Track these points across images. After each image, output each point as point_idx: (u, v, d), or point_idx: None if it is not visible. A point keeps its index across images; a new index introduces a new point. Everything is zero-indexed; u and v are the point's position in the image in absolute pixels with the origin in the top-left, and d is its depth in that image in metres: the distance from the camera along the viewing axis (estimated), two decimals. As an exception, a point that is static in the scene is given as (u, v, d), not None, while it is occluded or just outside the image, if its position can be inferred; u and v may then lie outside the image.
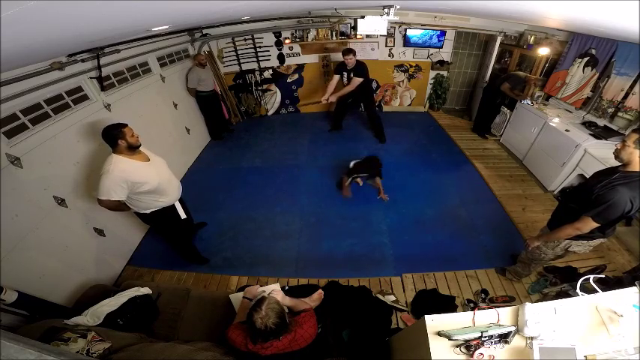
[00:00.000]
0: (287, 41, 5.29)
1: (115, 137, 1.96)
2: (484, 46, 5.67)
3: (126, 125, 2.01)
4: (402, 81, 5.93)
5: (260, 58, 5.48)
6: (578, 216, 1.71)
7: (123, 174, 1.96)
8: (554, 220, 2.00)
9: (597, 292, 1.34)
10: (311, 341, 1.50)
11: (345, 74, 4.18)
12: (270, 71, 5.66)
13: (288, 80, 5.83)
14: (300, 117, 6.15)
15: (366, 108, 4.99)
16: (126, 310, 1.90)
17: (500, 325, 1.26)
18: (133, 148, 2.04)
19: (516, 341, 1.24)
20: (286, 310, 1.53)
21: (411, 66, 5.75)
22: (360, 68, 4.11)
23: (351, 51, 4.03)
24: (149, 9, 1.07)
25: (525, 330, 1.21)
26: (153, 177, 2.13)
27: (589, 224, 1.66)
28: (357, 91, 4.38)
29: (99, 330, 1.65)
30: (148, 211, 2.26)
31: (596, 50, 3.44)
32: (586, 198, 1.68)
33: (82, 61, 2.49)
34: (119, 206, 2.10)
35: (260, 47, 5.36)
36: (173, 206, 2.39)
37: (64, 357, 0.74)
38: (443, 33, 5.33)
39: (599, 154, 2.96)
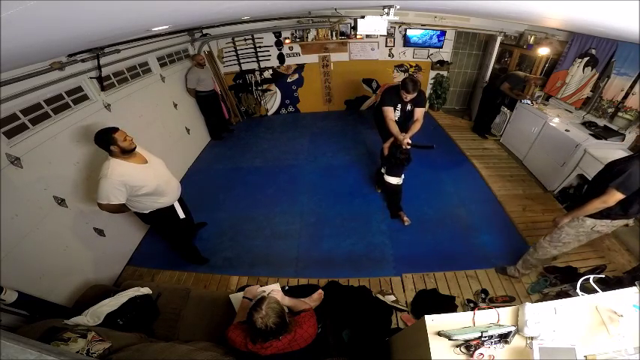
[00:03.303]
0: (287, 41, 5.29)
1: (106, 143, 1.94)
2: (484, 46, 5.67)
3: (116, 130, 1.97)
4: (402, 81, 5.94)
5: (260, 58, 5.48)
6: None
7: (121, 178, 1.95)
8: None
9: (597, 292, 1.34)
10: (311, 341, 1.50)
11: (400, 106, 3.07)
12: (270, 71, 5.66)
13: (288, 80, 5.83)
14: (300, 117, 6.15)
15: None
16: (126, 310, 1.90)
17: (500, 325, 1.26)
18: (128, 152, 2.01)
19: (516, 341, 1.24)
20: (286, 310, 1.53)
21: (411, 66, 5.75)
22: (421, 97, 3.04)
23: (417, 85, 2.87)
24: (149, 9, 1.07)
25: (525, 330, 1.21)
26: (151, 179, 2.12)
27: (614, 195, 1.74)
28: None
29: (99, 330, 1.65)
30: (147, 212, 2.27)
31: (596, 50, 3.44)
32: (610, 175, 1.79)
33: (82, 61, 2.49)
34: (120, 209, 2.09)
35: (260, 47, 5.36)
36: (172, 206, 2.39)
37: (64, 357, 0.74)
38: (443, 33, 5.33)
39: (599, 154, 2.96)
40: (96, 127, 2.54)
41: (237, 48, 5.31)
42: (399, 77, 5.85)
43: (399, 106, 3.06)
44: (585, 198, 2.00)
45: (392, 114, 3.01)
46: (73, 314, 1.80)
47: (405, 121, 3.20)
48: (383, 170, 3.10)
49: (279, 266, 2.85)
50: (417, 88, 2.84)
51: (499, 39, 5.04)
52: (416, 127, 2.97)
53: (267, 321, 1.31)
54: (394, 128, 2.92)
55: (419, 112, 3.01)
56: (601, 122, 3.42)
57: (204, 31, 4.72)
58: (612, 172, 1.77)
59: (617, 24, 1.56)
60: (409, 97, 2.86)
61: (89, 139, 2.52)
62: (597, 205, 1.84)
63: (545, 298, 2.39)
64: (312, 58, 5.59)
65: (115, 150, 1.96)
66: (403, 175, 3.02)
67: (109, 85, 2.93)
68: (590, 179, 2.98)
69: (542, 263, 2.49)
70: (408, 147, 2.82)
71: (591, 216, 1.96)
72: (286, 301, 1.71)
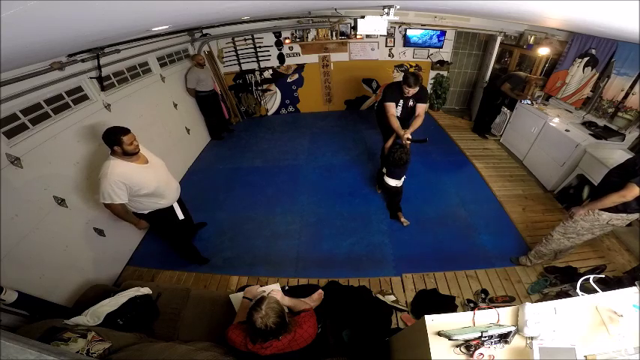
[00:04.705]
0: (287, 41, 5.29)
1: (112, 142, 1.94)
2: (484, 46, 5.67)
3: (127, 133, 1.97)
4: (402, 81, 5.94)
5: (260, 58, 5.48)
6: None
7: (121, 177, 1.95)
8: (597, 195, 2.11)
9: (597, 292, 1.34)
10: (311, 341, 1.49)
11: (402, 102, 3.07)
12: (270, 71, 5.66)
13: (288, 80, 5.83)
14: (300, 117, 6.15)
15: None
16: (126, 310, 1.90)
17: (500, 325, 1.26)
18: (129, 155, 2.01)
19: (516, 341, 1.24)
20: (286, 310, 1.53)
21: (411, 66, 5.75)
22: (423, 92, 3.05)
23: (419, 79, 2.84)
24: (149, 9, 1.07)
25: (525, 330, 1.21)
26: (151, 180, 2.13)
27: (633, 190, 1.81)
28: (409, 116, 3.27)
29: (99, 330, 1.65)
30: (146, 212, 2.27)
31: (596, 50, 3.44)
32: (630, 171, 1.85)
33: (82, 61, 2.49)
34: (124, 213, 2.11)
35: (260, 47, 5.36)
36: (171, 207, 2.39)
37: (64, 357, 0.74)
38: (443, 33, 5.34)
39: (599, 154, 2.96)
40: (96, 127, 2.56)
41: (237, 48, 5.31)
42: (398, 77, 5.83)
43: (401, 102, 3.07)
44: (599, 192, 2.05)
45: (393, 109, 3.03)
46: (73, 314, 1.80)
47: (406, 118, 3.22)
48: (384, 170, 3.12)
49: (279, 266, 2.85)
50: (419, 82, 2.83)
51: (499, 39, 5.03)
52: (417, 123, 3.01)
53: (267, 321, 1.31)
54: (395, 123, 2.95)
55: (420, 108, 3.06)
56: (601, 122, 3.42)
57: (204, 31, 4.72)
58: (634, 169, 1.84)
59: (617, 24, 1.56)
60: (411, 91, 2.87)
61: (89, 139, 2.53)
62: (615, 199, 1.91)
63: (545, 298, 2.39)
64: (312, 58, 5.59)
65: (118, 150, 1.97)
66: (404, 178, 3.03)
67: (109, 85, 2.93)
68: (589, 179, 3.03)
69: (555, 253, 2.54)
70: (408, 142, 2.85)
71: (608, 210, 2.02)
72: (286, 301, 1.70)
